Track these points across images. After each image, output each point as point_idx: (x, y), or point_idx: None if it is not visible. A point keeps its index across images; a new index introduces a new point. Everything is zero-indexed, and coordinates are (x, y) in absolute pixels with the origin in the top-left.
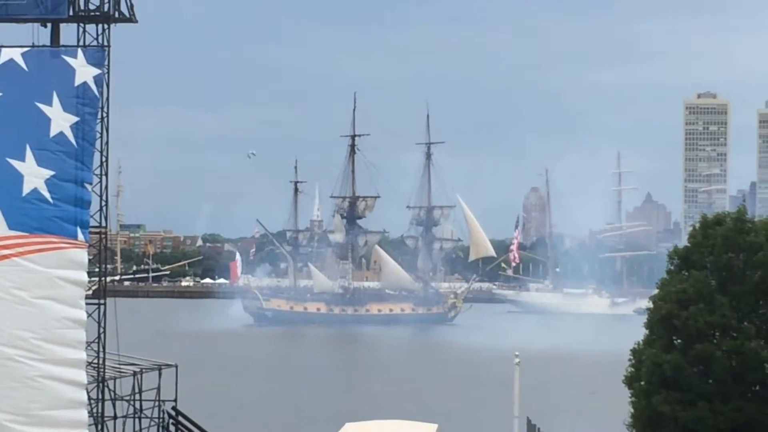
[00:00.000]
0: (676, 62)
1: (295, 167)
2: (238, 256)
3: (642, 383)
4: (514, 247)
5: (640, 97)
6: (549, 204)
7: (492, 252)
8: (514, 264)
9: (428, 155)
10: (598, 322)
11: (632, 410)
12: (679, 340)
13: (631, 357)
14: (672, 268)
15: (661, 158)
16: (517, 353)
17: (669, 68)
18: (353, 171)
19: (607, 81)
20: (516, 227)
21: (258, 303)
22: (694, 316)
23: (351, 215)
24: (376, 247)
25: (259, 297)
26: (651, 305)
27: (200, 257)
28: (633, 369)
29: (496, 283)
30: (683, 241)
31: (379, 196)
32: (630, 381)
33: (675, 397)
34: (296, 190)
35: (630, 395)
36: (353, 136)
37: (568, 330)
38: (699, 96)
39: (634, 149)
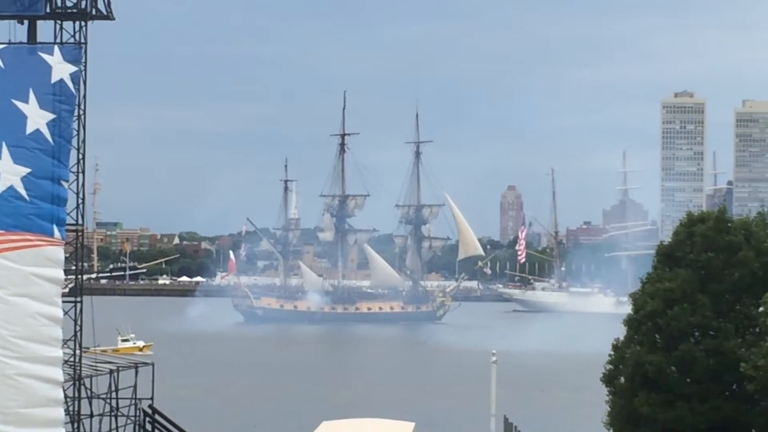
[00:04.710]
0: (653, 61)
1: (285, 166)
2: (232, 254)
3: (622, 381)
4: (521, 246)
5: (617, 96)
6: (555, 203)
7: (481, 251)
8: (521, 262)
9: (417, 154)
10: (599, 320)
11: (610, 409)
12: (661, 340)
13: (611, 354)
14: (656, 264)
15: (638, 157)
16: (494, 351)
17: (646, 67)
18: (343, 170)
19: (585, 79)
20: (523, 224)
21: (248, 301)
22: (677, 317)
23: (341, 214)
24: (366, 245)
25: (250, 295)
26: (631, 303)
27: (177, 255)
28: (612, 366)
29: (475, 281)
30: (661, 240)
31: (368, 195)
32: (608, 379)
33: (656, 399)
34: (286, 188)
35: (608, 393)
36: (343, 135)
37: (564, 328)
38: (676, 95)
39: (611, 147)
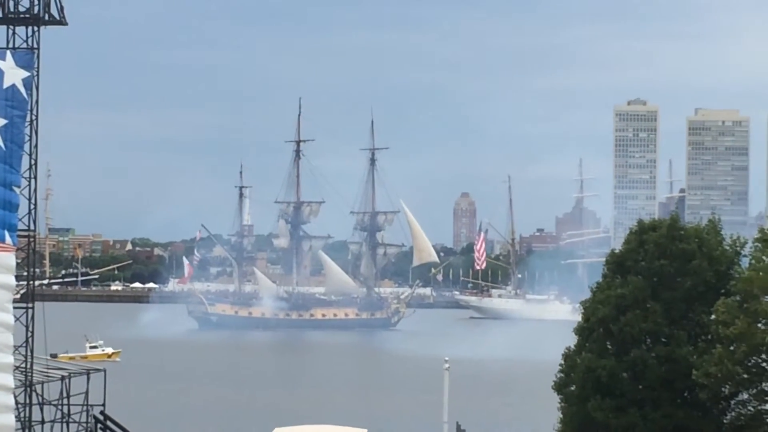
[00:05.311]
0: (606, 69)
1: (240, 172)
2: (185, 260)
3: (573, 388)
4: (479, 253)
5: (570, 103)
6: (512, 210)
7: (435, 257)
8: (479, 268)
9: (372, 161)
10: (556, 327)
11: (561, 416)
12: (613, 346)
13: (563, 362)
14: (607, 272)
15: (592, 164)
16: (446, 358)
17: (600, 75)
18: (298, 176)
19: (538, 86)
20: (479, 231)
21: (203, 307)
22: (629, 323)
23: (295, 220)
24: (320, 252)
25: (204, 301)
26: (582, 311)
27: (130, 261)
28: (563, 375)
29: (428, 288)
30: (612, 247)
31: (323, 202)
32: (559, 387)
33: (608, 404)
34: (240, 194)
35: (559, 401)
36: (298, 142)
37: (520, 336)
38: (629, 103)
39: (563, 155)
